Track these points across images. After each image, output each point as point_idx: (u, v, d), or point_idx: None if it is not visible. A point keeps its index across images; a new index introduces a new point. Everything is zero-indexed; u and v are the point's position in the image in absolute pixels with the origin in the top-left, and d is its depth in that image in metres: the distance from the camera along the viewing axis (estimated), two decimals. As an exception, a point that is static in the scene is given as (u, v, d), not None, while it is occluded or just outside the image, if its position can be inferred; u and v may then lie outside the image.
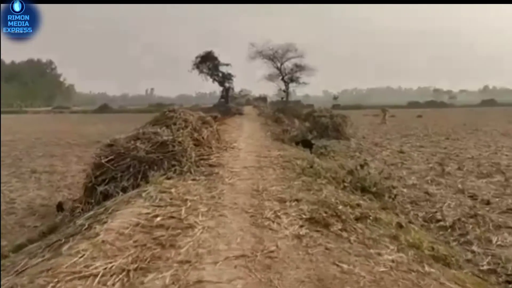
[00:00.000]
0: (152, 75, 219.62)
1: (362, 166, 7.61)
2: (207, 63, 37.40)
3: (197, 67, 37.42)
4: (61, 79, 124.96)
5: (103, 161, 6.93)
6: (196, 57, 37.37)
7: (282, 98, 44.63)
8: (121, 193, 5.99)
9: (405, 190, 8.84)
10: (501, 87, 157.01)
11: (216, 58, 37.52)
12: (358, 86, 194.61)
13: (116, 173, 6.87)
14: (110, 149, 7.19)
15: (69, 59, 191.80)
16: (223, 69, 38.52)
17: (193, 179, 6.48)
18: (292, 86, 42.87)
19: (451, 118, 45.23)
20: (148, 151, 7.13)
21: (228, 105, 37.90)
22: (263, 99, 63.08)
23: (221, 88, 40.62)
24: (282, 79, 42.30)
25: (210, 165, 7.64)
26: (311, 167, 7.54)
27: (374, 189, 6.81)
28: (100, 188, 6.65)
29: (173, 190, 5.37)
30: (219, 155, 9.07)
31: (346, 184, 6.63)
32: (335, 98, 74.67)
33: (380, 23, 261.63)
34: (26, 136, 27.32)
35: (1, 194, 9.49)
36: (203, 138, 9.97)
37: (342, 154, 14.35)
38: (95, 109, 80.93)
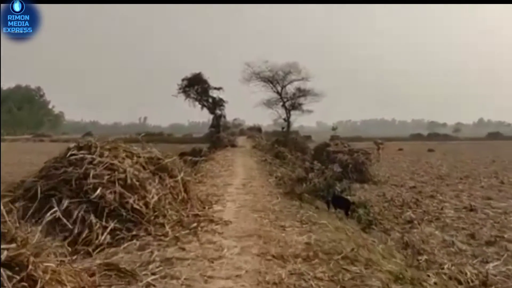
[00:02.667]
0: (146, 102, 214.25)
1: None
2: (195, 86, 32.15)
3: (184, 91, 32.16)
4: (50, 106, 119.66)
5: None
6: (183, 80, 32.03)
7: (283, 128, 38.47)
8: None
9: None
10: (496, 120, 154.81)
11: (205, 81, 32.14)
12: (352, 118, 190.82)
13: None
14: None
15: (59, 85, 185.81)
16: (214, 94, 33.33)
17: None
18: (294, 114, 36.94)
19: (467, 153, 40.71)
20: None
21: (219, 135, 32.54)
22: (257, 129, 58.03)
23: (211, 116, 35.39)
24: (283, 105, 36.43)
25: None
26: None
27: None
28: None
29: None
30: (168, 261, 3.82)
31: None
32: (333, 129, 69.72)
33: (374, 54, 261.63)
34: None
35: None
36: (147, 205, 4.76)
37: (390, 217, 9.15)
38: (77, 138, 75.60)
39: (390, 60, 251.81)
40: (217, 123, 35.09)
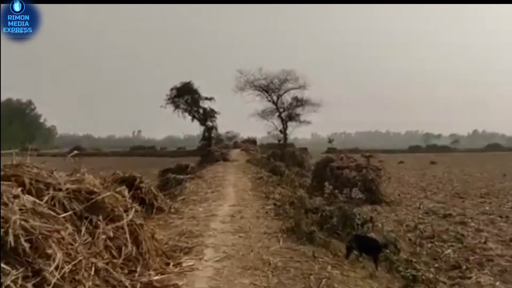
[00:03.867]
0: (140, 115, 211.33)
1: None
2: (185, 96, 29.93)
3: (172, 102, 29.92)
4: (42, 119, 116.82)
5: None
6: (171, 89, 29.83)
7: (279, 140, 35.87)
8: None
9: None
10: (490, 132, 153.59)
11: (196, 91, 29.99)
12: (346, 129, 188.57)
13: None
14: None
15: (53, 99, 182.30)
16: (205, 104, 31.04)
17: None
18: (290, 125, 34.30)
19: (471, 165, 38.83)
20: None
21: (210, 149, 30.19)
22: (252, 141, 55.74)
23: (202, 128, 33.08)
24: (279, 116, 33.83)
25: None
26: None
27: None
28: None
29: None
30: None
31: None
32: (330, 141, 67.93)
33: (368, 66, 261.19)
34: None
35: None
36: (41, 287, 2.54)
37: (425, 257, 6.97)
38: (65, 152, 72.73)
39: (385, 69, 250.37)
40: (209, 136, 32.91)
